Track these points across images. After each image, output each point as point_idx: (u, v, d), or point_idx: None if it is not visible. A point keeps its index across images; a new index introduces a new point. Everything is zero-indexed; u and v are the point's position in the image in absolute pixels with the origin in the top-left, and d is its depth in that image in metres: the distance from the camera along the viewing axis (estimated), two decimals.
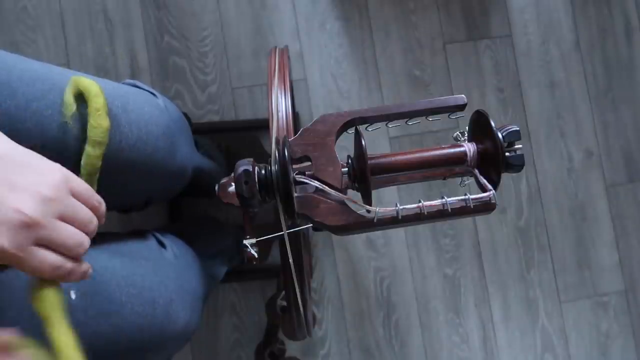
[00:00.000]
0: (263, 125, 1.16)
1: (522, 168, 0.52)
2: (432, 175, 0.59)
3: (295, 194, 0.49)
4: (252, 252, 0.52)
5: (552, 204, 1.25)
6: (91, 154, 0.52)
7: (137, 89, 0.68)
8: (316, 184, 0.51)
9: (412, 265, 1.20)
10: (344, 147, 0.64)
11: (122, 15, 1.20)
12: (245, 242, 0.52)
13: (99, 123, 0.52)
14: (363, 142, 0.51)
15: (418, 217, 0.52)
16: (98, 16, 1.19)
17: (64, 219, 0.42)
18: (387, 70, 1.23)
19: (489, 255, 1.22)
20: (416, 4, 1.26)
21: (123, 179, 0.62)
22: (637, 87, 1.29)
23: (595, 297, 1.24)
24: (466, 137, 0.57)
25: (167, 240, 0.72)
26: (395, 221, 0.52)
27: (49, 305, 0.43)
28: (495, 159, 0.52)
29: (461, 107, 0.56)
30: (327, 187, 0.51)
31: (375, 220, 0.51)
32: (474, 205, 0.52)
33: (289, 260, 0.52)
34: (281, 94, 0.59)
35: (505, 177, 0.69)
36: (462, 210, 0.53)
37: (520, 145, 0.52)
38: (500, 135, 0.51)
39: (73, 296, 0.47)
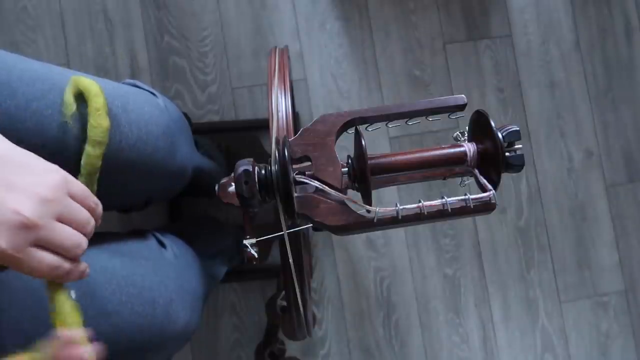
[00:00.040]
0: (263, 125, 1.16)
1: (522, 168, 0.52)
2: (432, 175, 0.59)
3: (295, 194, 0.49)
4: (252, 252, 0.52)
5: (552, 204, 1.25)
6: (91, 153, 0.52)
7: (137, 88, 0.68)
8: (316, 184, 0.51)
9: (412, 265, 1.20)
10: (344, 147, 0.64)
11: (122, 15, 1.20)
12: (245, 242, 0.52)
13: (99, 123, 0.52)
14: (363, 142, 0.51)
15: (418, 217, 0.52)
16: (98, 16, 1.19)
17: (61, 220, 0.42)
18: (387, 70, 1.23)
19: (489, 255, 1.22)
20: (416, 4, 1.26)
21: (123, 179, 0.62)
22: (637, 87, 1.29)
23: (595, 297, 1.24)
24: (466, 137, 0.57)
25: (167, 240, 0.72)
26: (395, 221, 0.52)
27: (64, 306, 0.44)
28: (495, 159, 0.52)
29: (461, 107, 0.56)
30: (327, 187, 0.51)
31: (375, 220, 0.51)
32: (474, 205, 0.52)
33: (289, 260, 0.52)
34: (281, 94, 0.59)
35: (505, 177, 0.69)
36: (462, 210, 0.53)
37: (520, 145, 0.52)
38: (500, 135, 0.51)
39: (73, 296, 0.47)
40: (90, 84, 0.53)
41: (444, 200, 0.52)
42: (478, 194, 0.53)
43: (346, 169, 0.54)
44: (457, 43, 1.26)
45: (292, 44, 1.21)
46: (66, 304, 0.45)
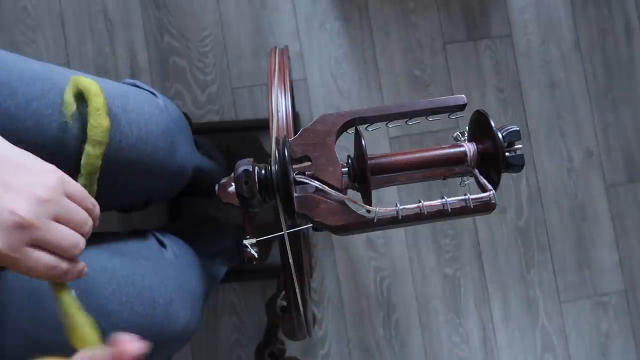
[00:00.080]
0: (263, 125, 1.16)
1: (522, 168, 0.52)
2: (432, 175, 0.59)
3: (295, 194, 0.49)
4: (252, 252, 0.52)
5: (552, 204, 1.25)
6: (91, 153, 0.52)
7: (137, 88, 0.68)
8: (316, 184, 0.51)
9: (412, 265, 1.20)
10: (344, 147, 0.64)
11: (122, 15, 1.20)
12: (245, 242, 0.52)
13: (99, 122, 0.52)
14: (363, 142, 0.51)
15: (418, 217, 0.52)
16: (98, 16, 1.19)
17: (59, 220, 0.42)
18: (387, 70, 1.23)
19: (489, 255, 1.22)
20: (416, 4, 1.26)
21: (123, 179, 0.62)
22: (637, 87, 1.29)
23: (595, 297, 1.24)
24: (466, 137, 0.57)
25: (167, 240, 0.72)
26: (395, 221, 0.52)
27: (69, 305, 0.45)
28: (495, 159, 0.52)
29: (461, 107, 0.56)
30: (327, 187, 0.51)
31: (375, 220, 0.51)
32: (474, 205, 0.52)
33: (289, 260, 0.52)
34: (281, 94, 0.59)
35: (505, 177, 0.69)
36: (462, 210, 0.53)
37: (520, 145, 0.52)
38: (500, 135, 0.51)
39: (73, 295, 0.47)
40: (90, 84, 0.53)
41: (444, 200, 0.52)
42: (478, 194, 0.53)
43: (346, 169, 0.54)
44: (457, 43, 1.26)
45: (292, 44, 1.21)
46: (73, 306, 0.45)
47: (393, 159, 0.54)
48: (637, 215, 1.26)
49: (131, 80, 0.71)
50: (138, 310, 0.59)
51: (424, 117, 0.56)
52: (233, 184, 0.50)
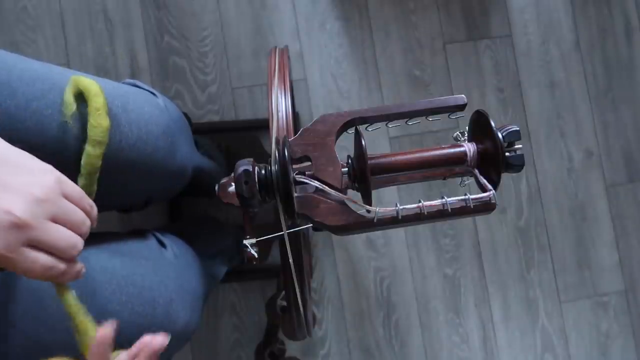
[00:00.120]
0: (263, 125, 1.16)
1: (522, 168, 0.52)
2: (432, 175, 0.59)
3: (295, 194, 0.49)
4: (252, 252, 0.52)
5: (552, 204, 1.25)
6: (91, 153, 0.52)
7: (137, 88, 0.68)
8: (316, 184, 0.51)
9: (412, 265, 1.20)
10: (344, 147, 0.64)
11: (122, 15, 1.20)
12: (245, 242, 0.52)
13: (99, 122, 0.52)
14: (363, 142, 0.51)
15: (418, 217, 0.52)
16: (98, 16, 1.19)
17: (56, 220, 0.42)
18: (387, 70, 1.23)
19: (489, 255, 1.22)
20: (416, 4, 1.26)
21: (123, 179, 0.62)
22: (637, 87, 1.29)
23: (595, 297, 1.24)
24: (466, 137, 0.57)
25: (167, 240, 0.72)
26: (395, 221, 0.52)
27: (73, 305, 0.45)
28: (495, 159, 0.52)
29: (461, 107, 0.56)
30: (327, 187, 0.51)
31: (375, 220, 0.51)
32: (474, 205, 0.52)
33: (289, 260, 0.52)
34: (281, 94, 0.59)
35: (505, 177, 0.69)
36: (462, 210, 0.53)
37: (520, 145, 0.52)
38: (500, 135, 0.51)
39: (74, 295, 0.47)
40: (90, 84, 0.53)
41: (444, 200, 0.52)
42: (478, 194, 0.53)
43: (346, 169, 0.54)
44: (457, 43, 1.26)
45: (292, 44, 1.21)
46: (74, 306, 0.45)
47: (393, 159, 0.54)
48: (637, 215, 1.26)
49: (131, 80, 0.71)
50: (138, 310, 0.59)
51: (424, 117, 0.56)
52: (233, 184, 0.50)
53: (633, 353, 1.23)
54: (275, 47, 0.68)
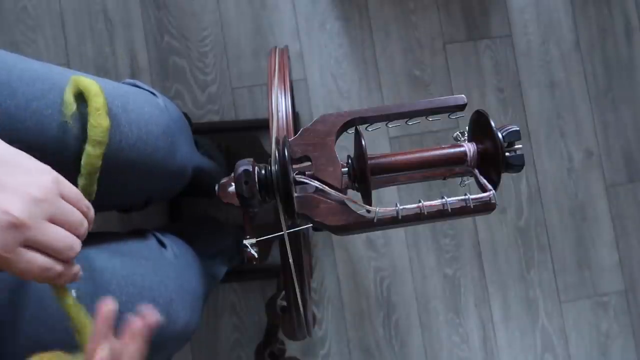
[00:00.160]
0: (263, 125, 1.16)
1: (522, 168, 0.52)
2: (432, 175, 0.59)
3: (295, 194, 0.49)
4: (252, 252, 0.52)
5: (552, 204, 1.25)
6: (91, 153, 0.52)
7: (137, 88, 0.68)
8: (316, 184, 0.51)
9: (412, 265, 1.20)
10: (344, 147, 0.64)
11: (122, 15, 1.20)
12: (245, 242, 0.52)
13: (99, 122, 0.52)
14: (363, 142, 0.51)
15: (418, 217, 0.52)
16: (98, 16, 1.19)
17: (54, 221, 0.42)
18: (387, 70, 1.23)
19: (489, 255, 1.22)
20: (416, 4, 1.26)
21: (123, 179, 0.62)
22: (637, 87, 1.29)
23: (595, 297, 1.24)
24: (466, 137, 0.57)
25: (167, 239, 0.72)
26: (395, 221, 0.52)
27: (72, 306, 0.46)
28: (495, 159, 0.52)
29: (461, 107, 0.56)
30: (327, 187, 0.51)
31: (375, 220, 0.51)
32: (474, 205, 0.52)
33: (289, 260, 0.52)
34: (281, 94, 0.59)
35: (505, 177, 0.69)
36: (462, 210, 0.52)
37: (520, 145, 0.52)
38: (500, 135, 0.51)
39: (74, 295, 0.47)
40: (90, 84, 0.53)
41: (444, 200, 0.52)
42: (478, 194, 0.53)
43: (346, 169, 0.54)
44: (457, 43, 1.26)
45: (292, 44, 1.21)
46: (74, 307, 0.45)
47: (393, 159, 0.54)
48: (637, 215, 1.26)
49: (131, 80, 0.71)
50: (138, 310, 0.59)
51: (424, 117, 0.56)
52: (233, 184, 0.50)
53: (633, 353, 1.23)
54: (275, 47, 0.68)
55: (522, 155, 0.52)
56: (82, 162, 0.52)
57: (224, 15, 1.21)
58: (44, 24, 1.18)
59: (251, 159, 0.50)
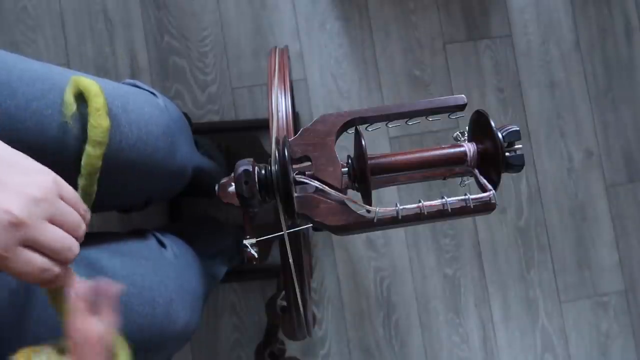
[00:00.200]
0: (263, 125, 1.16)
1: (522, 168, 0.52)
2: (432, 175, 0.59)
3: (295, 194, 0.49)
4: (252, 252, 0.52)
5: (552, 204, 1.25)
6: (91, 153, 0.52)
7: (137, 88, 0.68)
8: (316, 184, 0.51)
9: (412, 265, 1.20)
10: (344, 147, 0.64)
11: (122, 15, 1.20)
12: (245, 242, 0.52)
13: (99, 123, 0.52)
14: (363, 142, 0.51)
15: (418, 217, 0.52)
16: (98, 16, 1.19)
17: (53, 221, 0.41)
18: (387, 70, 1.23)
19: (489, 255, 1.22)
20: (416, 4, 1.26)
21: (123, 179, 0.62)
22: (637, 87, 1.29)
23: (595, 297, 1.24)
24: (466, 137, 0.57)
25: (167, 240, 0.72)
26: (395, 221, 0.52)
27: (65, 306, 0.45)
28: (495, 159, 0.52)
29: (461, 107, 0.56)
30: (327, 187, 0.51)
31: (375, 220, 0.51)
32: (474, 205, 0.52)
33: (289, 260, 0.52)
34: (281, 94, 0.59)
35: (505, 177, 0.69)
36: (462, 210, 0.52)
37: (520, 145, 0.52)
38: (500, 135, 0.51)
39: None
40: (90, 84, 0.53)
41: (444, 200, 0.52)
42: (478, 194, 0.53)
43: (346, 169, 0.54)
44: (457, 43, 1.26)
45: (292, 44, 1.21)
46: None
47: (393, 159, 0.54)
48: (637, 215, 1.26)
49: (131, 81, 0.71)
50: (138, 310, 0.59)
51: (424, 117, 0.56)
52: (233, 184, 0.50)
53: (633, 353, 1.23)
54: (275, 47, 0.68)
55: (522, 155, 0.52)
56: (82, 162, 0.52)
57: (224, 15, 1.21)
58: (44, 24, 1.18)
59: (251, 159, 0.50)
